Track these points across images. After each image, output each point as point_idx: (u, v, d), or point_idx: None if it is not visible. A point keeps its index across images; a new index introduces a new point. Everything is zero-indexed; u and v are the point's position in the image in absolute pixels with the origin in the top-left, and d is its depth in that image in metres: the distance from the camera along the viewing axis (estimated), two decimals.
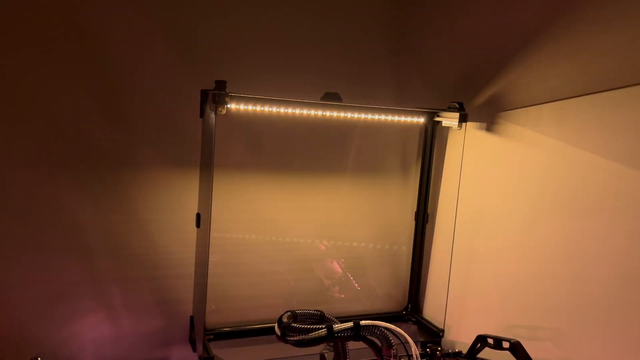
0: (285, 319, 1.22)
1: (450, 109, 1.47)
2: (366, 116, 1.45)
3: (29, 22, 1.30)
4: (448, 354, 1.39)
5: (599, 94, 1.13)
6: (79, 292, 1.41)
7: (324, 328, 1.15)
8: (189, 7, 1.45)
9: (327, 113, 1.41)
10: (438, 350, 1.37)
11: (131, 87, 1.41)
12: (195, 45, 1.46)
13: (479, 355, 1.26)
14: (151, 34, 1.41)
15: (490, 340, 1.22)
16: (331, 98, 1.38)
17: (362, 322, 1.15)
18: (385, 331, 1.16)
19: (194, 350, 1.45)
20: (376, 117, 1.47)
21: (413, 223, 1.68)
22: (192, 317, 1.47)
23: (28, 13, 1.29)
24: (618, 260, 1.07)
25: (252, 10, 1.52)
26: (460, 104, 1.45)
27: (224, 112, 1.22)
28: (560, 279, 1.19)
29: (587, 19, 1.13)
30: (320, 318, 1.30)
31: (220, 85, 1.22)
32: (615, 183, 1.08)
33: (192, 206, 1.44)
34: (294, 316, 1.25)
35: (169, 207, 1.47)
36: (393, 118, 1.49)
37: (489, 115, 1.41)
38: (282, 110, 1.35)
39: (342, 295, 1.72)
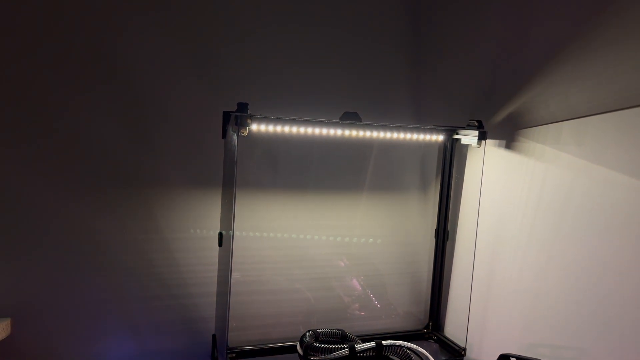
0: (307, 338, 1.23)
1: (469, 126, 1.47)
2: (385, 134, 1.47)
3: (61, 52, 1.35)
4: None
5: (621, 111, 1.12)
6: (103, 311, 1.44)
7: (346, 348, 1.15)
8: (211, 32, 1.49)
9: (347, 132, 1.42)
10: None
11: (156, 110, 1.45)
12: (217, 68, 1.50)
13: None
14: (175, 58, 1.46)
15: None
16: (350, 117, 1.40)
17: (385, 342, 1.15)
18: (408, 351, 1.16)
19: None
20: (395, 135, 1.48)
21: (433, 240, 1.68)
22: (214, 335, 1.48)
23: (61, 44, 1.35)
24: None
25: (272, 33, 1.55)
26: (480, 122, 1.45)
27: (246, 133, 1.24)
28: (584, 297, 1.17)
29: (608, 35, 1.13)
30: (341, 337, 1.30)
31: (243, 107, 1.24)
32: (637, 200, 1.06)
33: (214, 225, 1.46)
34: (316, 335, 1.26)
35: (192, 226, 1.49)
36: (412, 136, 1.50)
37: (509, 133, 1.41)
38: (302, 129, 1.37)
39: (362, 313, 1.72)
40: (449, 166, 1.61)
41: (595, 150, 1.16)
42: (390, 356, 1.16)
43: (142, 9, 1.42)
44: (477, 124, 1.45)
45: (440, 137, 1.57)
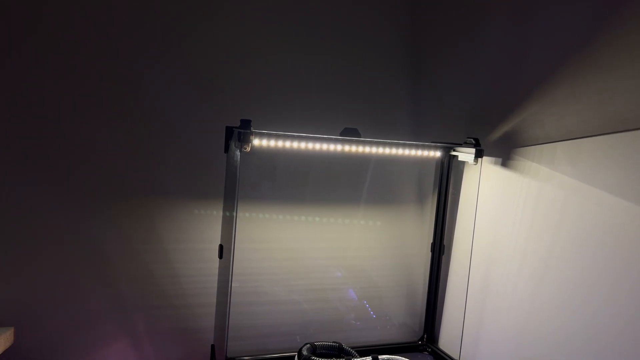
0: (304, 352, 1.25)
1: (466, 144, 1.50)
2: (384, 150, 1.49)
3: (67, 65, 1.38)
4: None
5: (615, 134, 1.14)
6: (104, 319, 1.45)
7: None
8: (217, 51, 1.52)
9: (346, 147, 1.44)
10: None
11: (161, 124, 1.47)
12: (221, 84, 1.52)
13: None
14: (180, 74, 1.48)
15: None
16: (350, 133, 1.42)
17: (381, 357, 1.17)
18: None
19: None
20: (394, 151, 1.50)
21: (429, 254, 1.70)
22: (213, 346, 1.50)
23: (67, 57, 1.38)
24: (632, 297, 1.07)
25: (277, 53, 1.58)
26: (476, 140, 1.48)
27: (248, 149, 1.26)
28: (576, 313, 1.19)
29: (603, 58, 1.15)
30: (338, 350, 1.33)
31: (245, 124, 1.26)
32: (630, 222, 1.09)
33: (215, 237, 1.48)
34: (313, 348, 1.28)
35: (193, 238, 1.51)
36: (410, 152, 1.53)
37: (505, 151, 1.43)
38: (303, 145, 1.39)
39: (358, 324, 1.74)
40: (445, 182, 1.64)
41: (588, 171, 1.18)
42: None
43: (149, 26, 1.44)
44: (474, 141, 1.48)
45: (437, 154, 1.59)
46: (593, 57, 1.18)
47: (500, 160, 1.45)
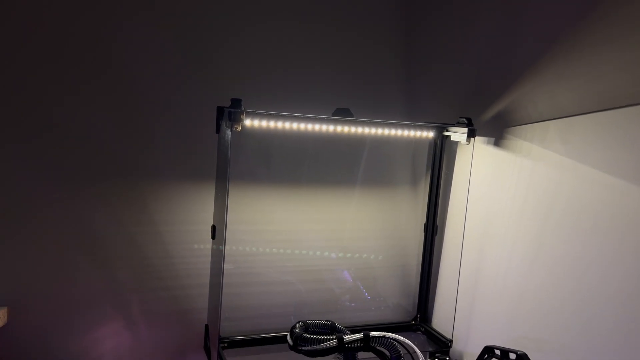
0: (297, 329, 1.25)
1: (458, 124, 1.50)
2: (377, 130, 1.49)
3: (57, 47, 1.37)
4: None
5: (605, 111, 1.14)
6: (98, 302, 1.47)
7: (335, 339, 1.18)
8: (206, 28, 1.51)
9: (339, 128, 1.44)
10: None
11: (151, 104, 1.47)
12: (212, 63, 1.52)
13: None
14: (170, 53, 1.48)
15: (497, 352, 1.23)
16: (342, 113, 1.41)
17: (372, 334, 1.18)
18: (394, 342, 1.19)
19: (209, 358, 1.49)
20: (386, 131, 1.50)
21: (422, 235, 1.71)
22: (206, 326, 1.51)
23: (57, 38, 1.37)
24: (625, 277, 1.07)
25: (267, 31, 1.57)
26: (469, 119, 1.48)
27: (239, 129, 1.26)
28: (568, 293, 1.20)
29: (595, 36, 1.15)
30: (331, 328, 1.33)
31: (236, 103, 1.26)
32: (622, 200, 1.09)
33: (207, 218, 1.48)
34: (306, 326, 1.28)
35: (186, 219, 1.51)
36: (403, 132, 1.52)
37: (497, 131, 1.43)
38: (295, 125, 1.39)
39: (353, 305, 1.75)
40: (438, 162, 1.64)
41: (580, 149, 1.18)
42: (377, 347, 1.19)
43: (138, 4, 1.43)
44: (466, 121, 1.47)
45: (430, 134, 1.59)
46: (585, 34, 1.17)
47: (492, 139, 1.45)
